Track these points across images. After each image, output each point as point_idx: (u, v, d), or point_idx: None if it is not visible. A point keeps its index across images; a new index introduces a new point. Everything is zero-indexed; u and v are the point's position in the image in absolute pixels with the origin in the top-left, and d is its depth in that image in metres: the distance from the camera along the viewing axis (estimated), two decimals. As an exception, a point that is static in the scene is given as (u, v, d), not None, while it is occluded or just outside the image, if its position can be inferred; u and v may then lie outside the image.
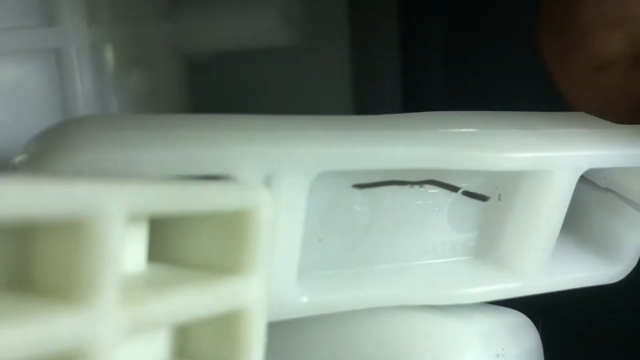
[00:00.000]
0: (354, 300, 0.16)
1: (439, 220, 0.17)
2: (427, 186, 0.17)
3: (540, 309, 0.19)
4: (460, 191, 0.17)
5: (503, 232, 0.17)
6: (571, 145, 0.16)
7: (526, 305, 0.19)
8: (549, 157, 0.16)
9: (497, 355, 0.17)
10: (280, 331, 0.16)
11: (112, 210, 0.10)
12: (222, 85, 0.28)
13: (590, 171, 0.18)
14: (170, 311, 0.11)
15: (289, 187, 0.14)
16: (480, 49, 0.28)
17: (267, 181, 0.14)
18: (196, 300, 0.12)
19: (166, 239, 0.13)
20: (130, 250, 0.12)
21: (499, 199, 0.17)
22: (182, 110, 0.26)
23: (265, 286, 0.13)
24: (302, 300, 0.16)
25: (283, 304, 0.15)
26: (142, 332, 0.12)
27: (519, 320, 0.19)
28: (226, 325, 0.13)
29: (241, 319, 0.13)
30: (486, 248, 0.18)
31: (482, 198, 0.17)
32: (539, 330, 0.19)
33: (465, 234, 0.18)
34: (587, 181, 0.19)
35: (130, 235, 0.12)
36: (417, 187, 0.17)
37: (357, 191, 0.16)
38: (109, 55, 0.24)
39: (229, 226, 0.13)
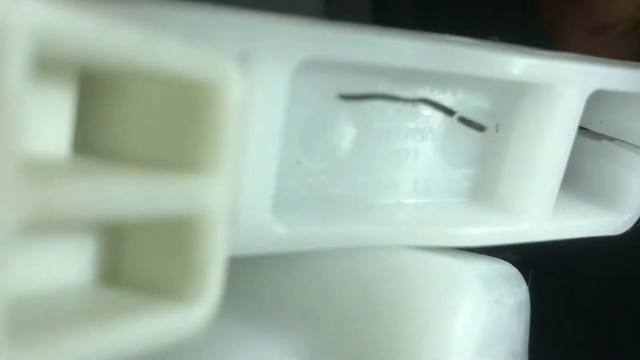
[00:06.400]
0: (337, 236, 0.14)
1: (433, 151, 0.15)
2: (420, 106, 0.15)
3: (528, 263, 0.17)
4: (456, 116, 0.15)
5: (502, 169, 0.16)
6: (578, 61, 0.15)
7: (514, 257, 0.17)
8: (555, 68, 0.14)
9: (496, 302, 0.15)
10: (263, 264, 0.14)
11: (12, 20, 0.06)
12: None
13: (586, 117, 0.16)
14: (94, 200, 0.08)
15: (268, 74, 0.11)
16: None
17: (241, 61, 0.11)
18: (135, 192, 0.08)
19: (102, 128, 0.10)
20: (45, 124, 0.09)
21: (497, 130, 0.15)
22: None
23: (232, 191, 0.10)
24: (279, 231, 0.13)
25: (256, 234, 0.12)
26: (54, 231, 0.09)
27: (512, 272, 0.17)
28: (175, 238, 0.09)
29: (196, 228, 0.09)
30: (484, 188, 0.16)
31: (479, 128, 0.16)
32: (527, 284, 0.17)
33: (460, 170, 0.16)
34: (581, 130, 0.17)
35: (47, 99, 0.09)
36: (409, 105, 0.15)
37: (342, 104, 0.14)
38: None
39: (187, 108, 0.09)
